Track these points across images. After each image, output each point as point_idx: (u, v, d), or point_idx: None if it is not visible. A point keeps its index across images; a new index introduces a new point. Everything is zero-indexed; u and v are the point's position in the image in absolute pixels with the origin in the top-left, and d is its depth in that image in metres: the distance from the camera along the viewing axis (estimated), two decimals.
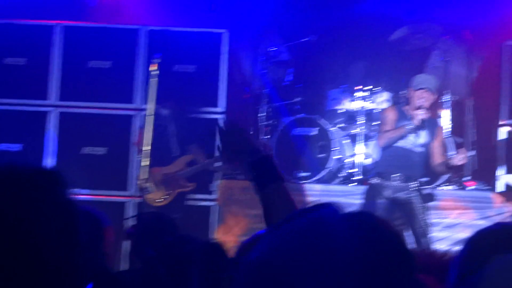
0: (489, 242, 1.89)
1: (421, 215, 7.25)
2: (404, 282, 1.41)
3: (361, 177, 8.78)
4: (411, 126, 7.20)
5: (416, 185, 7.35)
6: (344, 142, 9.01)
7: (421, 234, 7.19)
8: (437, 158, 7.46)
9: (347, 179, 8.91)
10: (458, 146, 9.12)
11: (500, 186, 8.75)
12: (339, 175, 8.96)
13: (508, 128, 9.03)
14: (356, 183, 8.74)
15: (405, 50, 9.58)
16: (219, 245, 2.60)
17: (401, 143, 7.34)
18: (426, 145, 7.41)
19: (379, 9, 10.29)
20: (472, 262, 1.88)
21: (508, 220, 8.18)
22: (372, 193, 7.39)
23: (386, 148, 7.39)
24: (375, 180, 7.43)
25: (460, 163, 7.38)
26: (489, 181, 8.88)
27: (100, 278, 2.86)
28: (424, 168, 7.51)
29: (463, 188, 8.60)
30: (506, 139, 9.00)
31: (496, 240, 1.88)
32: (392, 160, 7.35)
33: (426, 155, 7.45)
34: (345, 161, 8.96)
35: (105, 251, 3.20)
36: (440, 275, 2.36)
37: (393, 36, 9.40)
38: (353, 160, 8.95)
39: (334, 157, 8.85)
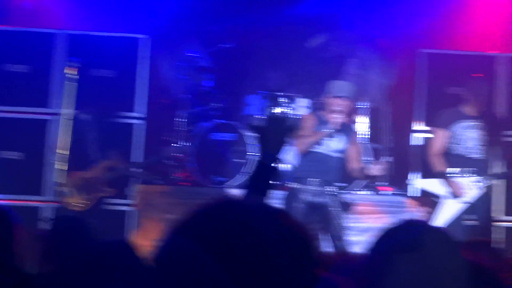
0: (396, 239, 1.94)
1: (337, 219, 7.36)
2: (305, 278, 1.47)
3: (279, 182, 8.86)
4: (327, 131, 7.30)
5: (333, 189, 7.46)
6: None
7: (337, 237, 7.30)
8: (353, 164, 7.58)
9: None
10: (376, 152, 9.31)
11: (413, 191, 8.95)
12: None
13: (421, 135, 9.25)
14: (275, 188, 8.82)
15: (323, 57, 9.71)
16: (130, 245, 2.60)
17: (319, 149, 7.43)
18: (343, 151, 7.52)
19: (297, 16, 10.43)
20: (380, 260, 1.93)
21: None
22: (290, 198, 7.46)
23: (305, 154, 7.48)
24: (293, 185, 7.50)
25: (376, 173, 7.51)
26: (403, 186, 9.08)
27: (8, 276, 2.83)
28: (341, 173, 7.62)
29: (378, 193, 8.76)
30: (420, 145, 9.21)
31: (403, 236, 1.93)
32: (310, 165, 7.44)
33: (343, 161, 7.57)
34: None
35: (15, 249, 3.15)
36: (354, 276, 2.41)
37: (312, 43, 9.53)
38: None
39: (252, 163, 8.91)
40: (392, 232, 1.96)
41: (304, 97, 9.40)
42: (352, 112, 7.69)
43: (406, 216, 8.36)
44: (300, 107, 9.29)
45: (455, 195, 7.80)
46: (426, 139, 8.96)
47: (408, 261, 1.84)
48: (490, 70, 9.16)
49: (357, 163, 7.61)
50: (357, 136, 7.73)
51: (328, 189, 7.43)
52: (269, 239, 1.47)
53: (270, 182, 2.75)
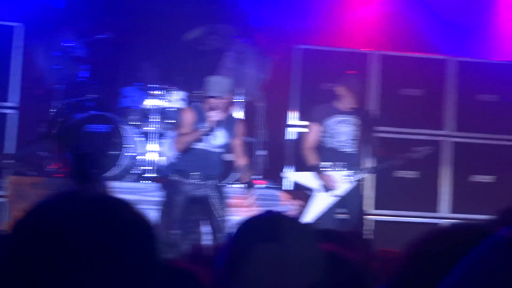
0: (255, 230, 1.98)
1: (218, 212, 7.39)
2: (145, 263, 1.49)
3: (153, 174, 8.85)
4: (205, 129, 7.28)
5: (214, 183, 7.47)
6: (137, 139, 9.04)
7: (218, 229, 7.33)
8: (238, 159, 7.62)
9: (140, 177, 8.94)
10: (250, 146, 9.40)
11: (287, 184, 9.10)
12: (132, 172, 8.98)
13: (295, 129, 9.40)
14: (148, 181, 8.80)
15: (200, 50, 9.73)
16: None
17: (199, 145, 7.41)
18: (225, 146, 7.53)
19: (174, 8, 10.40)
20: (239, 248, 1.95)
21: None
22: (171, 190, 7.43)
23: (184, 151, 7.46)
24: (174, 178, 7.48)
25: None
26: (277, 179, 9.21)
27: None
28: (222, 167, 7.66)
29: (253, 186, 8.83)
30: (294, 139, 9.37)
31: (261, 227, 1.97)
32: (191, 159, 7.41)
33: (224, 155, 7.60)
34: (137, 158, 8.99)
35: None
36: (214, 266, 2.44)
37: (188, 36, 9.53)
38: (146, 158, 9.00)
39: (127, 154, 8.85)
40: (250, 223, 2.00)
41: (180, 89, 9.40)
42: (230, 107, 7.69)
43: (280, 208, 8.51)
44: (176, 100, 9.29)
45: (327, 188, 7.97)
46: (300, 133, 9.13)
47: (266, 251, 1.87)
48: (363, 67, 9.40)
49: (242, 157, 7.63)
50: (241, 129, 7.66)
51: (209, 183, 7.44)
52: (106, 230, 1.48)
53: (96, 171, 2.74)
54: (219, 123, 7.34)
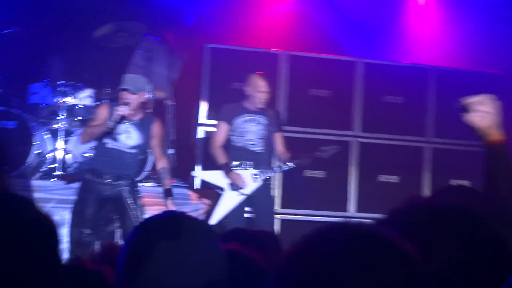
0: (154, 229, 1.99)
1: (131, 211, 7.33)
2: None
3: (61, 172, 8.73)
4: (111, 123, 7.23)
5: (127, 183, 7.42)
6: (45, 136, 8.90)
7: (131, 229, 7.27)
8: (156, 162, 7.59)
9: (48, 174, 8.81)
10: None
11: (196, 183, 9.11)
12: (40, 170, 8.84)
13: (205, 128, 9.42)
14: (56, 179, 8.68)
15: (109, 47, 9.64)
16: None
17: (113, 145, 7.35)
18: (140, 147, 7.48)
19: (83, 4, 10.28)
20: (138, 248, 1.96)
21: (202, 214, 8.53)
22: (84, 189, 7.33)
23: (98, 146, 7.37)
24: (87, 176, 7.38)
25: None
26: (186, 178, 9.21)
27: None
28: (136, 168, 7.62)
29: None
30: (203, 138, 9.38)
31: (161, 227, 1.98)
32: (105, 159, 7.34)
33: (138, 156, 7.56)
34: (45, 156, 8.85)
35: None
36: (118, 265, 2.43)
37: (98, 32, 9.43)
38: (54, 155, 8.87)
39: (35, 152, 8.71)
40: (149, 223, 2.00)
41: (89, 87, 9.29)
42: (146, 107, 7.64)
43: (189, 207, 8.50)
44: (84, 97, 9.18)
45: (236, 187, 8.01)
46: (209, 132, 9.15)
47: (165, 251, 1.88)
48: (272, 67, 9.47)
49: (160, 159, 7.60)
50: (158, 130, 7.62)
51: (122, 183, 7.39)
52: (6, 228, 1.47)
53: None
54: (133, 123, 7.31)
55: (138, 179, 8.58)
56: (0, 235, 1.46)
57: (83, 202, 7.22)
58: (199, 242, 1.94)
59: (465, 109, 2.64)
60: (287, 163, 8.15)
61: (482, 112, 2.56)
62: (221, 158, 8.04)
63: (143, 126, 7.45)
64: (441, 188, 2.50)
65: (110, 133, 7.28)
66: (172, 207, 7.37)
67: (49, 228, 1.57)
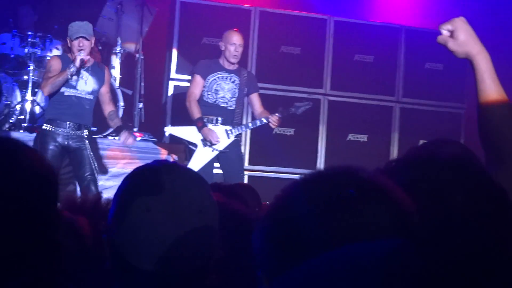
0: (146, 178, 1.96)
1: (90, 162, 7.34)
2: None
3: (29, 124, 8.65)
4: (73, 69, 7.23)
5: (86, 133, 7.42)
6: (13, 87, 8.80)
7: (91, 181, 7.29)
8: (106, 107, 7.60)
9: (16, 126, 8.72)
10: (127, 97, 9.32)
11: (165, 137, 9.09)
12: (8, 121, 8.75)
13: (175, 83, 9.38)
14: (24, 130, 8.59)
15: None
16: None
17: (70, 91, 7.34)
18: (95, 92, 7.49)
19: None
20: (129, 198, 1.94)
21: None
22: (42, 140, 7.30)
23: (55, 95, 7.35)
24: (45, 127, 7.36)
25: (127, 143, 7.58)
26: (156, 132, 9.18)
27: None
28: (92, 116, 7.58)
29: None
30: (172, 93, 9.35)
31: (153, 175, 1.95)
32: (63, 106, 7.34)
33: (94, 103, 7.54)
34: (14, 107, 8.76)
35: None
36: (93, 217, 2.43)
37: None
38: (22, 107, 8.78)
39: (2, 103, 8.60)
40: (140, 173, 1.99)
41: (57, 38, 9.18)
42: (95, 54, 7.62)
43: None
44: (53, 48, 9.08)
45: (209, 142, 8.00)
46: (180, 87, 9.13)
47: (158, 200, 1.87)
48: (245, 23, 9.42)
49: (110, 106, 7.64)
50: (108, 76, 7.68)
51: (81, 133, 7.38)
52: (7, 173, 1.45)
53: None
54: (87, 69, 7.32)
55: (105, 133, 8.56)
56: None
57: (44, 154, 7.16)
58: (191, 191, 1.93)
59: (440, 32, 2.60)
60: (258, 119, 8.15)
61: (452, 33, 2.53)
62: (196, 112, 8.02)
63: (96, 72, 7.52)
64: (431, 141, 2.49)
65: (68, 80, 7.27)
66: (129, 139, 7.47)
67: (49, 181, 1.55)
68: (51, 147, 7.26)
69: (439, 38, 2.54)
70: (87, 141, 7.42)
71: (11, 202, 1.44)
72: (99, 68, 7.60)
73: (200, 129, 8.01)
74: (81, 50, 7.23)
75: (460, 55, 2.54)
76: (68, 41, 7.39)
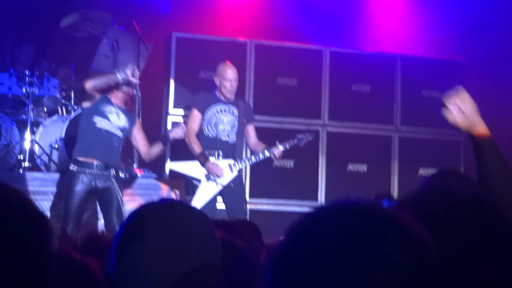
0: (151, 215, 1.95)
1: (119, 205, 7.20)
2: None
3: (29, 163, 8.63)
4: (123, 75, 7.14)
5: (114, 172, 7.30)
6: (11, 128, 8.80)
7: (116, 224, 7.15)
8: (144, 147, 7.58)
9: (16, 166, 8.69)
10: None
11: (166, 173, 9.08)
12: (8, 161, 8.73)
13: (173, 118, 9.39)
14: (25, 170, 8.56)
15: (76, 37, 9.55)
16: None
17: (103, 123, 7.23)
18: (125, 131, 7.42)
19: None
20: (134, 232, 1.93)
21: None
22: (69, 181, 7.13)
23: (86, 127, 7.25)
24: (72, 167, 7.19)
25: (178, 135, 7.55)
26: (155, 168, 9.16)
27: None
28: (119, 155, 7.53)
29: (131, 175, 8.76)
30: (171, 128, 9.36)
31: (157, 213, 1.95)
32: (91, 140, 7.20)
33: (122, 141, 7.48)
34: (13, 147, 8.74)
35: None
36: (102, 256, 2.42)
37: (64, 22, 9.33)
38: (21, 146, 8.77)
39: (1, 144, 8.60)
40: (145, 210, 1.98)
41: (54, 77, 9.20)
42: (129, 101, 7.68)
43: (160, 198, 8.43)
44: (50, 87, 9.09)
45: (213, 177, 7.97)
46: (175, 122, 9.15)
47: (162, 236, 1.87)
48: (240, 56, 9.46)
49: (146, 146, 7.61)
50: (140, 125, 7.71)
51: (109, 172, 7.24)
52: None
53: None
54: (120, 107, 7.33)
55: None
56: None
57: (69, 197, 7.04)
58: (195, 229, 1.93)
59: (443, 104, 2.62)
60: (259, 152, 8.13)
61: (459, 107, 2.55)
62: (197, 147, 7.99)
63: (127, 114, 7.48)
64: (437, 173, 2.49)
65: (102, 110, 7.21)
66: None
67: (38, 220, 1.55)
68: (77, 189, 7.08)
69: (449, 117, 2.57)
70: (115, 181, 7.30)
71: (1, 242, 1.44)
72: (131, 113, 7.65)
73: (203, 164, 7.96)
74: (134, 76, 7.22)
75: (465, 129, 2.57)
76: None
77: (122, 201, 7.27)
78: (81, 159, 7.21)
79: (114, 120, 7.32)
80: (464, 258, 1.45)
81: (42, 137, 8.66)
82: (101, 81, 7.19)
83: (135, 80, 7.23)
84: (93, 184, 7.16)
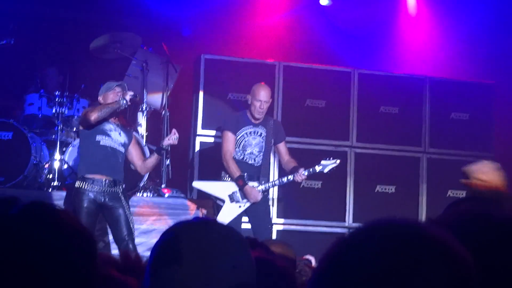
0: (185, 233, 1.94)
1: (127, 220, 7.27)
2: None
3: (58, 183, 8.69)
4: (123, 101, 7.31)
5: (121, 189, 7.39)
6: (41, 147, 8.88)
7: (129, 239, 7.20)
8: (138, 162, 7.64)
9: (45, 185, 8.76)
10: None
11: (193, 193, 9.10)
12: (37, 180, 8.80)
13: (201, 139, 9.42)
14: (53, 189, 8.63)
15: (105, 58, 9.64)
16: None
17: (106, 140, 7.34)
18: (126, 146, 7.52)
19: (80, 15, 10.28)
20: (168, 251, 1.93)
21: None
22: (76, 198, 7.19)
23: (90, 146, 7.34)
24: (79, 185, 7.27)
25: (171, 142, 7.66)
26: (183, 188, 9.20)
27: None
28: (123, 171, 7.58)
29: (159, 195, 8.80)
30: (199, 149, 9.40)
31: (191, 231, 1.94)
32: (98, 159, 7.29)
33: (125, 157, 7.57)
34: (43, 166, 8.81)
35: None
36: (138, 276, 2.42)
37: (93, 44, 9.41)
38: (50, 166, 8.83)
39: (31, 163, 8.67)
40: (179, 228, 1.98)
41: (85, 98, 9.28)
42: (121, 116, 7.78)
43: (188, 217, 8.45)
44: (80, 107, 9.16)
45: (233, 198, 7.99)
46: (206, 143, 9.20)
47: (196, 255, 1.86)
48: (268, 77, 9.47)
49: (141, 160, 7.68)
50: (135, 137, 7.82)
51: (117, 189, 7.34)
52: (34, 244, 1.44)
53: None
54: (117, 125, 7.47)
55: (135, 189, 8.58)
56: (41, 245, 1.44)
57: (76, 212, 7.11)
58: (230, 248, 1.92)
59: (465, 176, 2.61)
60: (287, 175, 8.12)
61: (481, 180, 2.55)
62: (236, 170, 8.00)
63: (125, 131, 7.62)
64: (469, 197, 2.46)
65: (103, 128, 7.34)
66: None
67: (88, 239, 1.55)
68: (85, 205, 7.15)
69: (466, 182, 2.56)
70: (123, 198, 7.39)
71: (55, 260, 1.44)
72: (128, 128, 7.76)
73: (241, 187, 7.98)
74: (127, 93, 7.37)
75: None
76: (101, 97, 7.47)
77: (130, 216, 7.35)
78: (89, 176, 7.29)
79: (115, 137, 7.45)
80: (503, 280, 1.44)
81: (71, 157, 8.71)
82: (105, 112, 7.30)
83: (131, 97, 7.48)
84: (102, 200, 7.25)
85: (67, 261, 1.45)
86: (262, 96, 8.05)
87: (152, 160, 7.73)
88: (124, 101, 7.34)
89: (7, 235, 1.39)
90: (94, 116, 7.23)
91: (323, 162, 8.19)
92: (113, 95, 7.41)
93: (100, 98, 7.52)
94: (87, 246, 1.52)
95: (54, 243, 1.45)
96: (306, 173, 8.03)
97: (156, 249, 1.95)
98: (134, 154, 7.70)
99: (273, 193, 9.27)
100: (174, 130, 7.71)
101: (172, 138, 7.61)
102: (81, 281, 1.48)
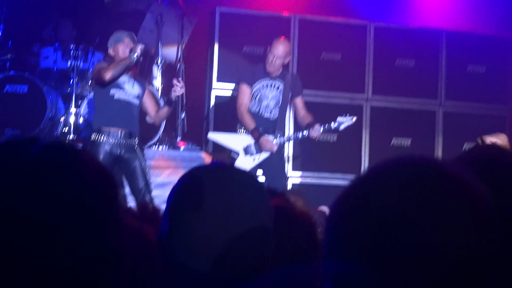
0: (203, 178, 1.93)
1: (144, 173, 7.32)
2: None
3: (73, 136, 8.73)
4: (135, 55, 7.28)
5: (137, 141, 7.42)
6: (56, 101, 8.90)
7: (145, 191, 7.26)
8: (152, 112, 7.66)
9: (61, 138, 8.79)
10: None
11: (208, 145, 9.12)
12: (53, 134, 8.84)
13: (217, 92, 9.41)
14: (70, 142, 8.67)
15: (120, 11, 9.59)
16: None
17: (120, 94, 7.34)
18: (140, 98, 7.52)
19: None
20: (186, 195, 1.92)
21: None
22: (92, 151, 7.13)
23: (104, 100, 7.34)
24: (95, 137, 7.31)
25: (180, 92, 7.59)
26: (198, 141, 9.22)
27: None
28: (138, 123, 7.60)
29: (174, 148, 8.83)
30: (214, 102, 9.39)
31: (210, 176, 1.93)
32: (113, 112, 7.30)
33: (139, 109, 7.58)
34: (58, 120, 8.84)
35: None
36: (155, 224, 2.43)
37: None
38: (66, 119, 8.86)
39: (47, 116, 8.70)
40: (198, 173, 1.97)
41: (98, 50, 9.27)
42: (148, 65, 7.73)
43: None
44: (95, 61, 9.16)
45: (248, 151, 8.00)
46: (221, 96, 9.19)
47: (214, 200, 1.86)
48: (284, 30, 9.41)
49: (155, 110, 7.69)
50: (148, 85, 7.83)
51: (132, 141, 7.37)
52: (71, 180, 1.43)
53: None
54: (130, 75, 7.45)
55: (151, 142, 8.60)
56: (61, 183, 1.43)
57: None
58: (248, 193, 1.92)
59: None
60: (302, 130, 8.12)
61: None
62: (250, 123, 8.01)
63: (139, 82, 7.58)
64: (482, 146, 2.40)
65: (117, 82, 7.31)
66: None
67: (109, 180, 1.55)
68: (102, 157, 7.14)
69: None
70: (138, 150, 7.41)
71: (76, 204, 1.43)
72: (140, 78, 7.74)
73: (257, 139, 7.99)
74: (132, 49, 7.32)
75: None
76: (112, 49, 7.44)
77: (146, 168, 7.39)
78: (105, 128, 7.31)
79: (129, 89, 7.43)
80: None
81: (86, 110, 8.74)
82: (118, 70, 7.26)
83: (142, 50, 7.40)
84: (118, 153, 7.28)
85: (86, 200, 1.44)
86: (276, 51, 8.03)
87: (164, 111, 7.73)
88: (135, 55, 7.30)
89: (28, 172, 1.39)
90: (108, 76, 7.20)
91: (339, 119, 8.18)
92: (123, 46, 7.37)
93: (110, 51, 7.50)
94: (108, 186, 1.52)
95: (74, 181, 1.44)
96: (321, 129, 8.02)
97: (175, 193, 1.94)
98: (148, 104, 7.70)
99: (288, 146, 9.27)
100: (174, 81, 7.65)
101: (176, 90, 7.56)
102: (99, 221, 1.47)
